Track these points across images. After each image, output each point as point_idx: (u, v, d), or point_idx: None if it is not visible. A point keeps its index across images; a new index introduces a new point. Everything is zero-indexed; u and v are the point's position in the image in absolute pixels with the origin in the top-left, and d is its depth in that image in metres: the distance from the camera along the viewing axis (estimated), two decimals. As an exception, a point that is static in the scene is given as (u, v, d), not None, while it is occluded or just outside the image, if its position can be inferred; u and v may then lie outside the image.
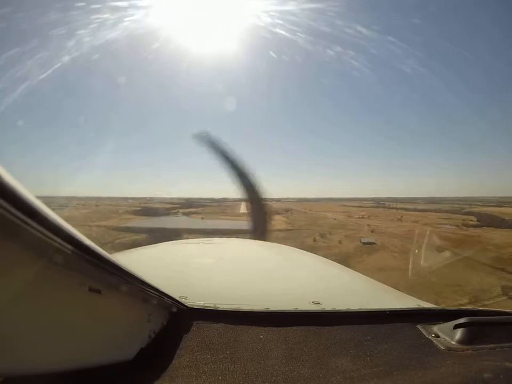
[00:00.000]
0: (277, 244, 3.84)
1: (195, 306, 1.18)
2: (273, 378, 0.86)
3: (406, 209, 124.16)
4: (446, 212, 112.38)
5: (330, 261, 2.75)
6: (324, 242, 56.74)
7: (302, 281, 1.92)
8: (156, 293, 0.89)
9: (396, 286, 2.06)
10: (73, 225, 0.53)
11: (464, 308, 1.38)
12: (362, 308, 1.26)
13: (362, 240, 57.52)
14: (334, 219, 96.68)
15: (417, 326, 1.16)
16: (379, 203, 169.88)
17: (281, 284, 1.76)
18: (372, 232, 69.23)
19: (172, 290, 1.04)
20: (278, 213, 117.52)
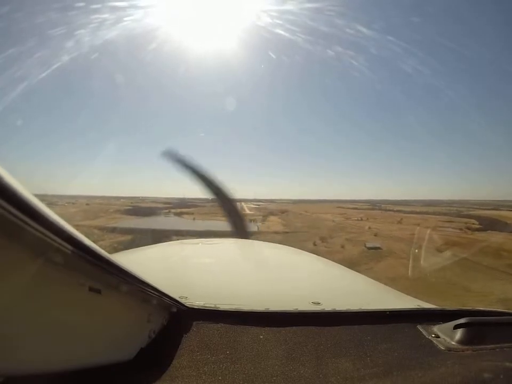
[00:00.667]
0: (276, 244, 3.86)
1: (195, 306, 1.18)
2: (273, 378, 0.86)
3: (404, 212, 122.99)
4: (445, 214, 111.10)
5: (330, 261, 2.73)
6: (325, 247, 51.38)
7: (302, 281, 1.92)
8: (155, 293, 0.89)
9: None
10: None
11: (464, 308, 1.33)
12: (362, 308, 1.26)
13: (367, 245, 52.23)
14: (333, 221, 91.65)
15: (417, 326, 1.16)
16: (375, 205, 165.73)
17: (281, 284, 1.76)
18: (375, 235, 63.94)
19: (172, 290, 1.04)
20: (274, 214, 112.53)
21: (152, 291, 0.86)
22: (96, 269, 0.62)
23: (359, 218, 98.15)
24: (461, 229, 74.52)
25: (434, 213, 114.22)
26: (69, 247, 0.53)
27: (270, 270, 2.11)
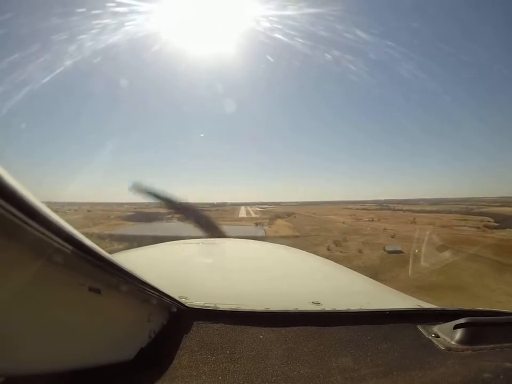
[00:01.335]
0: (276, 244, 3.79)
1: (195, 306, 1.18)
2: (273, 378, 0.86)
3: (413, 211, 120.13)
4: (456, 213, 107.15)
5: (330, 261, 2.72)
6: (341, 252, 45.37)
7: (302, 281, 1.93)
8: (155, 293, 0.90)
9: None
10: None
11: (464, 308, 1.32)
12: (362, 308, 1.26)
13: (387, 248, 45.93)
14: (343, 223, 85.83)
15: (417, 326, 1.16)
16: (382, 205, 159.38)
17: (281, 284, 1.77)
18: (392, 237, 57.38)
19: (172, 290, 1.05)
20: (280, 217, 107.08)
21: (152, 291, 0.87)
22: (96, 269, 0.62)
23: (370, 219, 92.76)
24: (478, 228, 70.74)
25: (444, 212, 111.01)
26: (69, 247, 0.53)
27: (270, 270, 2.14)
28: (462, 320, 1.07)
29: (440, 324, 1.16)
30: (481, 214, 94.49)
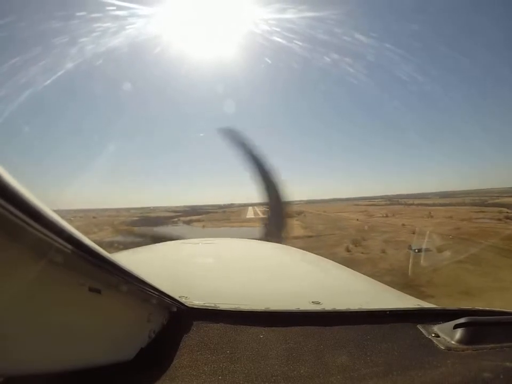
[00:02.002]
0: (276, 244, 3.70)
1: (195, 306, 1.19)
2: (273, 378, 0.86)
3: (426, 205, 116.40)
4: (471, 205, 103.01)
5: (330, 261, 2.66)
6: (362, 253, 39.86)
7: (302, 281, 1.92)
8: (155, 292, 0.91)
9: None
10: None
11: (464, 307, 1.30)
12: (362, 307, 1.25)
13: (413, 247, 39.70)
14: (357, 220, 79.98)
15: (417, 326, 1.15)
16: (391, 200, 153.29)
17: (281, 284, 1.76)
18: (413, 233, 51.32)
19: (172, 290, 1.06)
20: (290, 216, 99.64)
21: (152, 291, 0.88)
22: (96, 269, 0.62)
23: (384, 215, 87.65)
24: (500, 220, 66.46)
25: (458, 204, 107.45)
26: (69, 247, 0.53)
27: (270, 270, 2.13)
28: (462, 320, 1.07)
29: (440, 323, 1.15)
30: (496, 205, 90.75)
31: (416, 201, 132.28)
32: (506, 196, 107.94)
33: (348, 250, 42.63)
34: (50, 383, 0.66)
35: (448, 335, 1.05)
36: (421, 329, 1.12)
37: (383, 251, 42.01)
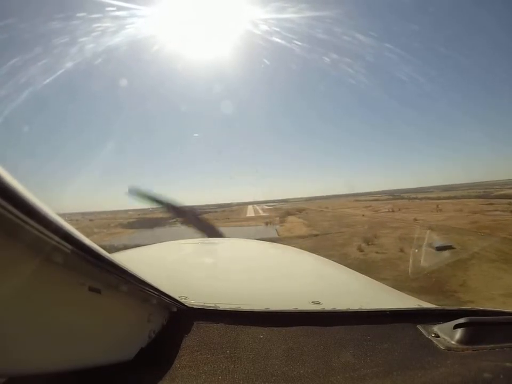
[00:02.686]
0: (276, 244, 3.83)
1: (195, 306, 1.19)
2: (273, 378, 0.86)
3: (430, 199, 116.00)
4: (477, 197, 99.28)
5: (330, 260, 2.63)
6: (377, 252, 34.52)
7: (302, 281, 1.90)
8: (155, 292, 0.91)
9: None
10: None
11: (464, 307, 1.31)
12: (362, 307, 1.25)
13: (435, 244, 34.26)
14: (363, 215, 74.62)
15: (417, 326, 1.15)
16: (393, 195, 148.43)
17: (281, 284, 1.74)
18: (429, 229, 45.75)
19: (172, 290, 1.06)
20: (291, 214, 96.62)
21: (152, 291, 0.88)
22: (96, 268, 0.62)
23: (390, 210, 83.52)
24: None
25: (463, 197, 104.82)
26: (69, 246, 0.53)
27: (270, 270, 2.13)
28: (462, 320, 1.06)
29: (440, 323, 1.14)
30: (502, 197, 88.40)
31: (419, 195, 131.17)
32: (508, 188, 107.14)
33: (360, 250, 37.01)
34: (50, 383, 0.66)
35: (448, 335, 1.05)
36: (421, 329, 1.12)
37: (401, 250, 36.50)
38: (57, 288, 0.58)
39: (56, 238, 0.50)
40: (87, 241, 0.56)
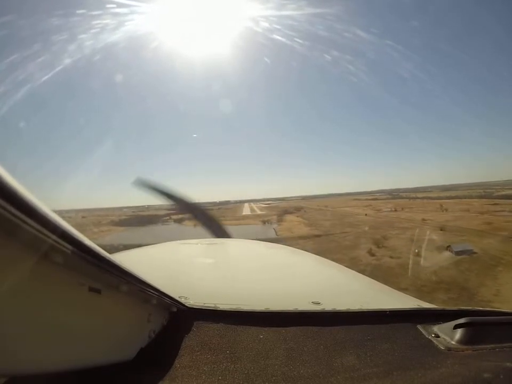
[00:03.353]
0: (276, 244, 3.61)
1: (195, 306, 1.19)
2: (273, 378, 0.86)
3: (431, 198, 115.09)
4: (479, 197, 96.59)
5: (330, 261, 2.62)
6: (392, 257, 30.21)
7: (302, 281, 1.89)
8: (155, 293, 0.91)
9: None
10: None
11: (464, 307, 1.29)
12: (362, 307, 1.25)
13: (455, 249, 30.09)
14: (366, 215, 69.79)
15: (417, 326, 1.15)
16: (392, 194, 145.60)
17: (281, 284, 1.73)
18: (441, 230, 41.66)
19: (172, 290, 1.06)
20: (290, 213, 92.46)
21: (152, 291, 0.88)
22: (96, 269, 0.62)
23: (393, 209, 79.58)
24: None
25: (465, 197, 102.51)
26: (69, 247, 0.53)
27: (270, 270, 2.12)
28: (462, 320, 1.06)
29: (440, 324, 1.14)
30: (505, 197, 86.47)
31: (419, 195, 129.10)
32: (508, 188, 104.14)
33: (371, 253, 33.09)
34: (50, 383, 0.66)
35: (448, 335, 1.06)
36: (421, 330, 1.12)
37: (417, 254, 32.28)
38: (57, 288, 0.59)
39: (56, 238, 0.50)
40: (87, 241, 0.56)
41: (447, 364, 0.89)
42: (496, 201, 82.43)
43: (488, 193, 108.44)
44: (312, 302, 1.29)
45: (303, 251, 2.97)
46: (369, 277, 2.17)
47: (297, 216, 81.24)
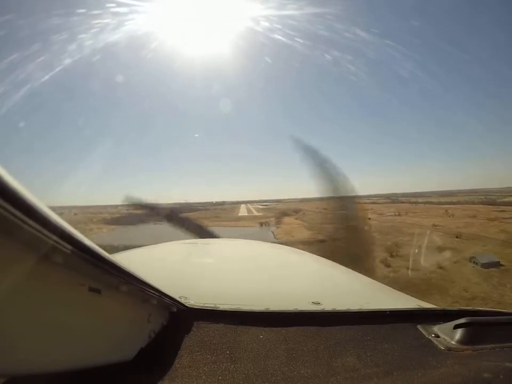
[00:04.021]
0: (276, 244, 3.78)
1: (195, 306, 1.19)
2: (273, 378, 0.86)
3: (432, 203, 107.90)
4: (483, 204, 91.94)
5: (330, 261, 2.62)
6: (410, 268, 24.28)
7: (302, 281, 1.89)
8: (155, 293, 0.91)
9: None
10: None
11: (464, 308, 1.31)
12: (362, 308, 1.26)
13: (481, 260, 25.79)
14: (369, 218, 64.69)
15: (417, 326, 1.16)
16: (390, 198, 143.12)
17: (281, 284, 1.74)
18: (457, 238, 37.22)
19: (172, 290, 1.06)
20: (287, 215, 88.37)
21: (152, 291, 0.88)
22: (96, 269, 0.62)
23: (396, 213, 75.16)
24: None
25: (467, 203, 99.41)
26: (69, 247, 0.53)
27: (270, 270, 2.11)
28: (462, 320, 1.07)
29: (440, 324, 1.15)
30: (509, 203, 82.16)
31: (419, 200, 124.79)
32: (509, 195, 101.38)
33: (386, 263, 28.45)
34: (50, 383, 0.66)
35: (448, 335, 1.06)
36: (421, 330, 1.13)
37: (439, 265, 27.87)
38: (57, 288, 0.59)
39: (56, 238, 0.50)
40: (87, 241, 0.57)
41: (447, 363, 0.90)
42: (502, 207, 79.70)
43: (489, 199, 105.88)
44: (312, 302, 1.29)
45: (303, 251, 2.99)
46: None
47: (296, 219, 77.64)
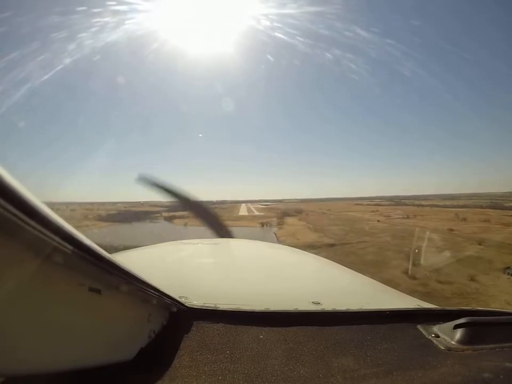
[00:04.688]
0: (276, 244, 3.74)
1: (195, 306, 1.18)
2: (273, 378, 0.86)
3: (438, 206, 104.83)
4: (491, 208, 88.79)
5: (330, 261, 2.59)
6: (440, 282, 20.22)
7: (302, 281, 1.88)
8: (156, 293, 0.91)
9: None
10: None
11: (464, 307, 1.29)
12: (362, 308, 1.26)
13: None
14: (378, 221, 61.18)
15: (417, 326, 1.16)
16: (393, 201, 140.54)
17: (281, 284, 1.73)
18: (479, 244, 33.22)
19: (172, 290, 1.06)
20: (290, 215, 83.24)
21: (152, 291, 0.88)
22: (96, 269, 0.62)
23: (404, 216, 70.63)
24: None
25: (474, 206, 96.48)
26: (69, 246, 0.53)
27: (270, 270, 2.09)
28: (462, 320, 1.07)
29: (440, 324, 1.14)
30: None
31: (423, 203, 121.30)
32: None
33: (411, 275, 24.10)
34: (50, 383, 0.66)
35: (448, 335, 1.05)
36: (421, 330, 1.12)
37: (471, 277, 23.56)
38: (57, 288, 0.58)
39: (57, 238, 0.50)
40: (87, 241, 0.56)
41: (447, 363, 0.89)
42: (512, 212, 75.41)
43: (496, 203, 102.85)
44: (312, 302, 1.28)
45: (303, 251, 2.93)
46: None
47: (300, 220, 74.05)
